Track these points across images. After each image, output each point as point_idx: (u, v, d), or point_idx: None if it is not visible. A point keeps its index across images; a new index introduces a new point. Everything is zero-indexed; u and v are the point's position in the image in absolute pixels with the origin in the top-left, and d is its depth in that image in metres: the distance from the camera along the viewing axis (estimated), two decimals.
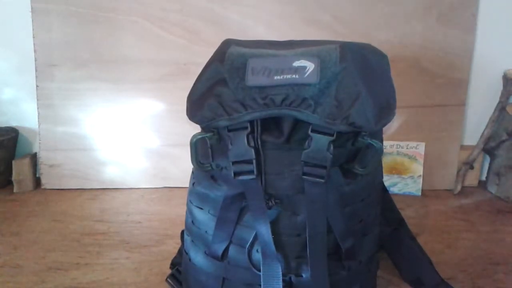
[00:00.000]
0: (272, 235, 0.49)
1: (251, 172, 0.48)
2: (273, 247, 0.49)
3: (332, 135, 0.46)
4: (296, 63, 0.46)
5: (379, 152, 0.49)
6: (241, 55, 0.49)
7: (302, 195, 0.49)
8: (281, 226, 0.50)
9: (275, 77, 0.46)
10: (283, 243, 0.51)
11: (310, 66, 0.46)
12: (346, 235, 0.52)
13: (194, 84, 0.53)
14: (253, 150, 0.47)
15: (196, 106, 0.51)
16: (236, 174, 0.48)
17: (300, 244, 0.51)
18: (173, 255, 0.71)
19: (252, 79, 0.47)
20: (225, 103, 0.48)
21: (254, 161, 0.48)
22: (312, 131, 0.46)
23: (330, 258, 0.51)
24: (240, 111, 0.47)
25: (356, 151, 0.50)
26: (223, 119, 0.48)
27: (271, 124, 0.49)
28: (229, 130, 0.48)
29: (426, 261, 0.67)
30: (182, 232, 0.66)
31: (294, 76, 0.46)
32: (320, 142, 0.46)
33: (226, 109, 0.48)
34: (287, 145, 0.48)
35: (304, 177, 0.47)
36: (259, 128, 0.48)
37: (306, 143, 0.47)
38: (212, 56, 0.53)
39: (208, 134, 0.50)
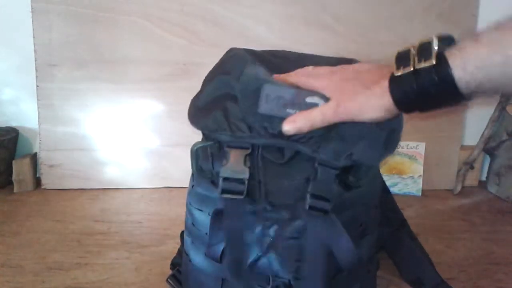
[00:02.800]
0: (271, 238, 0.49)
1: (240, 193, 0.48)
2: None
3: (336, 169, 0.47)
4: (309, 99, 0.46)
5: (375, 166, 0.49)
6: (257, 79, 0.48)
7: (301, 202, 0.49)
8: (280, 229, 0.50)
9: (287, 110, 0.46)
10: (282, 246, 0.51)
11: (320, 103, 0.46)
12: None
13: (201, 90, 0.53)
14: (248, 170, 0.48)
15: (202, 113, 0.51)
16: (225, 191, 0.48)
17: (298, 247, 0.50)
18: (173, 255, 0.71)
19: (265, 108, 0.47)
20: (231, 119, 0.48)
21: (246, 182, 0.47)
22: (319, 164, 0.47)
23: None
24: (244, 132, 0.47)
25: (352, 163, 0.50)
26: (226, 134, 0.48)
27: (272, 147, 0.49)
28: (229, 146, 0.48)
29: (426, 261, 0.67)
30: (182, 233, 0.66)
31: None
32: (326, 174, 0.47)
33: (231, 125, 0.48)
34: (287, 164, 0.49)
35: (310, 210, 0.47)
36: (260, 150, 0.48)
37: (312, 176, 0.47)
38: (218, 66, 0.53)
39: (209, 143, 0.50)
